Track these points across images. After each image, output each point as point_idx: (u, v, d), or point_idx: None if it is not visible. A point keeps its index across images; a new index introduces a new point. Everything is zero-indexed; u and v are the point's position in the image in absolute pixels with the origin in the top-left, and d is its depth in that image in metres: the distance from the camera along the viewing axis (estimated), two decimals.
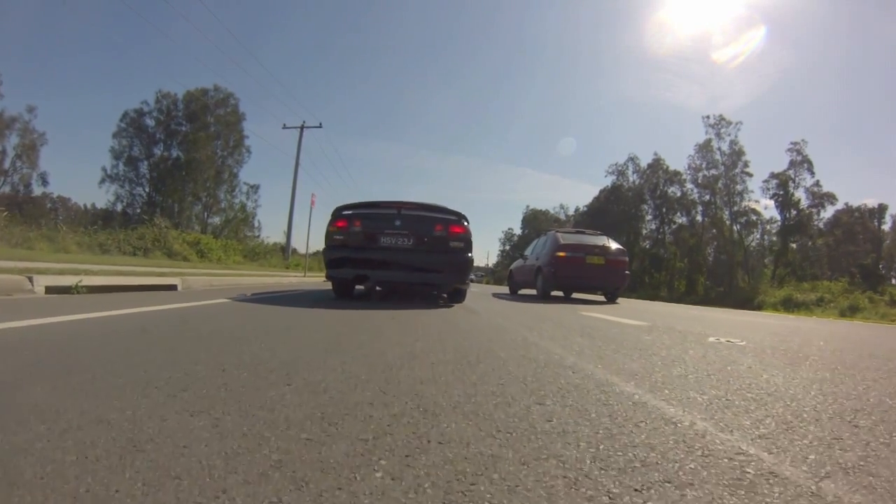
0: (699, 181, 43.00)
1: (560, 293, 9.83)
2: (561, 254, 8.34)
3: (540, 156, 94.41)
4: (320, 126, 28.19)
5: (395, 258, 4.89)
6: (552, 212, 67.30)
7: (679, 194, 43.38)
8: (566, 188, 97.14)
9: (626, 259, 8.97)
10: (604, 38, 75.13)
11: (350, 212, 5.15)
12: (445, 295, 6.01)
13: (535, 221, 68.20)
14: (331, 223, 5.15)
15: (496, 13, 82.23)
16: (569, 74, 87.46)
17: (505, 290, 12.72)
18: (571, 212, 60.54)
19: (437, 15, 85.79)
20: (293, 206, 26.70)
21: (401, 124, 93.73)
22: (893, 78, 55.57)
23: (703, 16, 58.72)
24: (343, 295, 5.35)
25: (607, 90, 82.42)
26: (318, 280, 12.52)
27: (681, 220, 43.58)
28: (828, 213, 41.87)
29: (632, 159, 48.61)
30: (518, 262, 11.02)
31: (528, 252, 10.51)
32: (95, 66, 51.89)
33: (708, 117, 42.04)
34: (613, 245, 8.92)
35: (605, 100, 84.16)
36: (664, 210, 43.99)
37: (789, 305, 23.25)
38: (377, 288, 6.31)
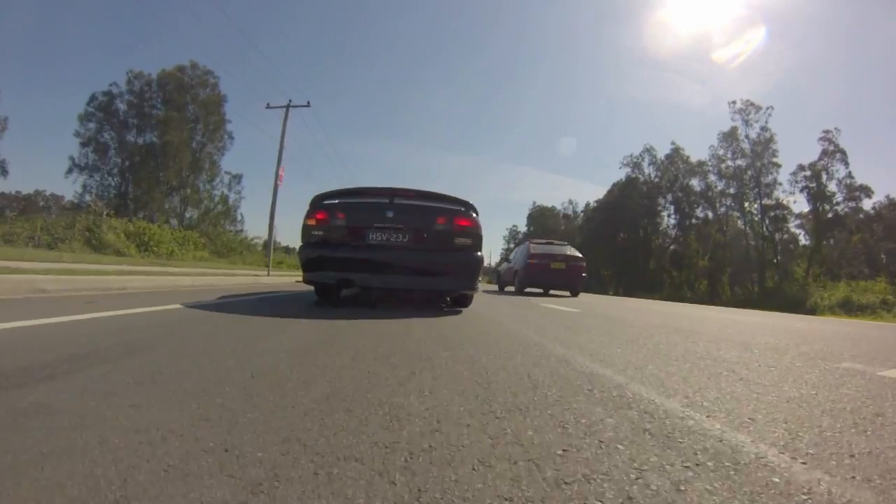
0: (723, 172, 39.70)
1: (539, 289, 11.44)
2: (531, 261, 10.22)
3: (541, 155, 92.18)
4: (308, 105, 24.69)
5: (387, 258, 3.94)
6: (559, 208, 63.96)
7: (701, 187, 39.97)
8: (568, 188, 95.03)
9: (584, 265, 10.61)
10: (605, 38, 73.06)
11: (332, 201, 4.19)
12: (448, 298, 4.95)
13: (542, 218, 64.92)
14: (308, 215, 4.11)
15: (498, 13, 79.69)
16: (570, 74, 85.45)
17: (494, 287, 14.40)
18: (582, 207, 57.21)
19: (439, 15, 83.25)
20: (276, 196, 23.49)
21: (401, 123, 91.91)
22: None
23: (703, 15, 56.97)
24: (327, 300, 4.37)
25: (608, 90, 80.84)
26: (283, 281, 9.28)
27: (704, 213, 40.09)
28: (843, 207, 38.59)
29: (648, 150, 45.33)
30: (504, 265, 13.35)
31: (511, 257, 12.64)
32: (64, 45, 48.43)
33: (734, 102, 38.69)
34: (573, 253, 10.70)
35: (606, 99, 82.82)
36: (685, 205, 40.52)
37: (849, 308, 20.06)
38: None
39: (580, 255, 10.73)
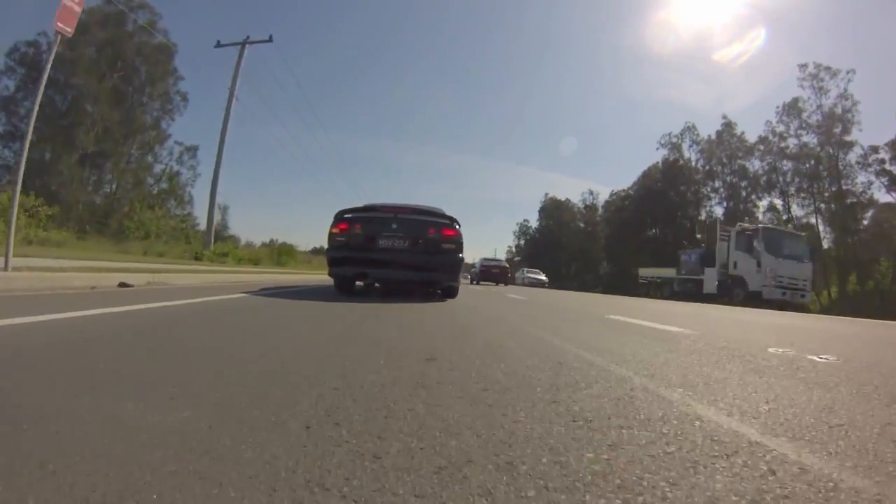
0: (786, 152, 33.00)
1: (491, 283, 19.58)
2: (482, 268, 20.40)
3: (545, 156, 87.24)
4: (270, 40, 18.36)
5: (392, 258, 5.09)
6: (574, 201, 57.02)
7: (761, 169, 33.12)
8: (569, 187, 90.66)
9: (507, 268, 21.24)
10: (607, 39, 70.41)
11: (351, 215, 5.35)
12: (440, 291, 6.03)
13: (557, 212, 58.03)
14: (333, 225, 5.27)
15: (498, 13, 75.63)
16: (572, 74, 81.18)
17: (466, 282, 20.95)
18: (605, 197, 50.44)
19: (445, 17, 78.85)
20: (220, 163, 16.74)
21: (403, 123, 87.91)
22: None
23: (705, 15, 54.78)
24: (343, 291, 5.49)
25: (610, 90, 77.45)
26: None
27: (766, 200, 33.20)
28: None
29: (689, 129, 38.58)
30: (474, 269, 21.48)
31: (477, 264, 21.81)
32: None
33: (805, 65, 31.93)
34: (503, 264, 21.36)
35: (607, 100, 79.72)
36: (742, 191, 33.62)
37: None
38: (375, 285, 6.40)
39: (507, 265, 21.71)
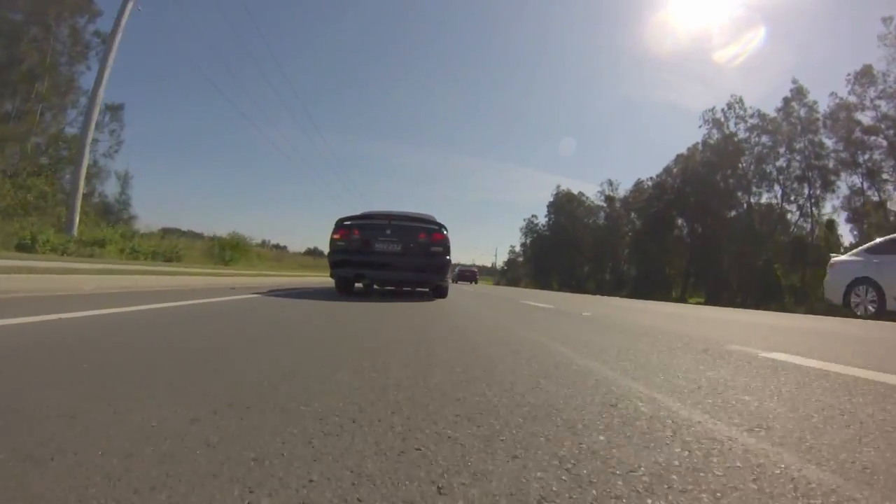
0: (865, 127, 27.15)
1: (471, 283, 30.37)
2: (459, 271, 33.62)
3: (544, 157, 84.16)
4: None
5: (387, 260, 5.72)
6: (589, 196, 51.02)
7: (836, 143, 27.11)
8: (571, 189, 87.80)
9: (476, 272, 37.23)
10: (608, 40, 69.08)
11: (350, 222, 5.99)
12: (430, 291, 6.78)
13: (570, 206, 51.97)
14: (334, 231, 5.90)
15: (498, 16, 73.53)
16: (570, 76, 79.34)
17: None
18: (626, 188, 44.47)
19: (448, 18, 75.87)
20: (96, 97, 10.38)
21: (400, 125, 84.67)
22: None
23: (703, 16, 56.21)
24: (343, 291, 6.08)
25: (610, 91, 75.78)
26: None
27: (843, 181, 27.08)
28: None
29: (735, 104, 32.68)
30: (454, 273, 25.22)
31: (456, 269, 29.54)
32: None
33: (890, 19, 26.21)
34: (474, 269, 37.98)
35: (607, 101, 77.83)
36: (815, 172, 27.51)
37: None
38: (374, 286, 7.16)
39: (475, 270, 37.94)
